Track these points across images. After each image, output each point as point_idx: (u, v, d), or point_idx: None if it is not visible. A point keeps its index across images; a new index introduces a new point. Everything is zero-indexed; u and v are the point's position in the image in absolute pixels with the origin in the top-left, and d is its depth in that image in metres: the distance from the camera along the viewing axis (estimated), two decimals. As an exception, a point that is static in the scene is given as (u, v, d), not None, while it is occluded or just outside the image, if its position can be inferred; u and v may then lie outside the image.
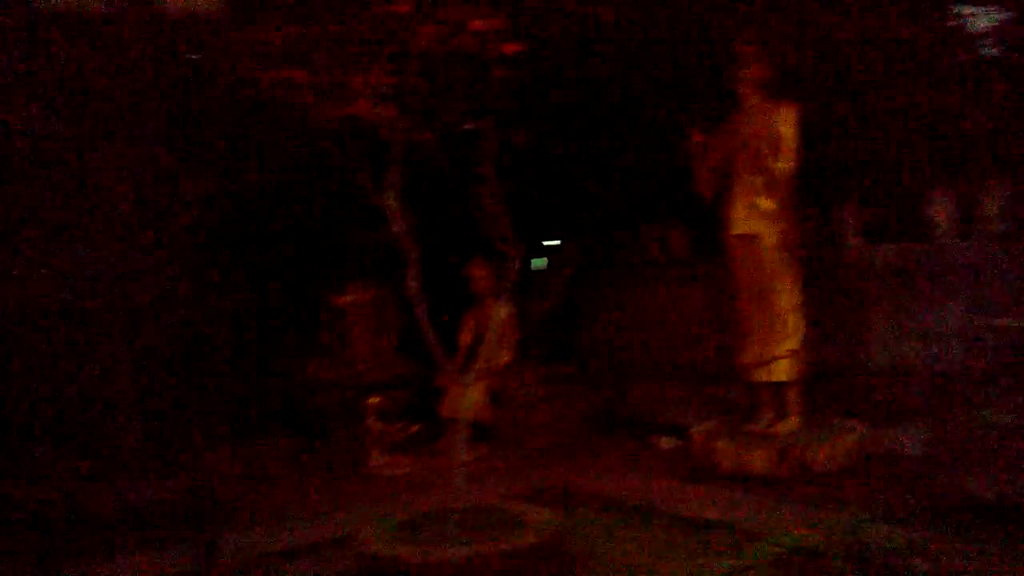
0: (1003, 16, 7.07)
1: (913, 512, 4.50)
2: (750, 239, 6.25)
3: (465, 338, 8.40)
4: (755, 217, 6.25)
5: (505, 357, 8.16)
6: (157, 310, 4.92)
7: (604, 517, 5.31)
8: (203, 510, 3.60)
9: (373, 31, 7.11)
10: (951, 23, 6.96)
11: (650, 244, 8.70)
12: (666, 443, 7.24)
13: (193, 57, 5.77)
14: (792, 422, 6.10)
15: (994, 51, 6.87)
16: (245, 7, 6.80)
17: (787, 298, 6.11)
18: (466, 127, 6.61)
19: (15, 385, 4.74)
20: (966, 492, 4.58)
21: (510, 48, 6.27)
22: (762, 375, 6.17)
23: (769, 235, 6.17)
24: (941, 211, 6.21)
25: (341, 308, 8.99)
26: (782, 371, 6.08)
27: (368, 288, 9.02)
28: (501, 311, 8.14)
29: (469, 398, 7.67)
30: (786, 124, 6.18)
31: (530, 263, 10.02)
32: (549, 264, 9.11)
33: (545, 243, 10.38)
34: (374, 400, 7.41)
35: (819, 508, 4.89)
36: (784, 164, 6.13)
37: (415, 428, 7.55)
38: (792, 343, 6.06)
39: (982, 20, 7.05)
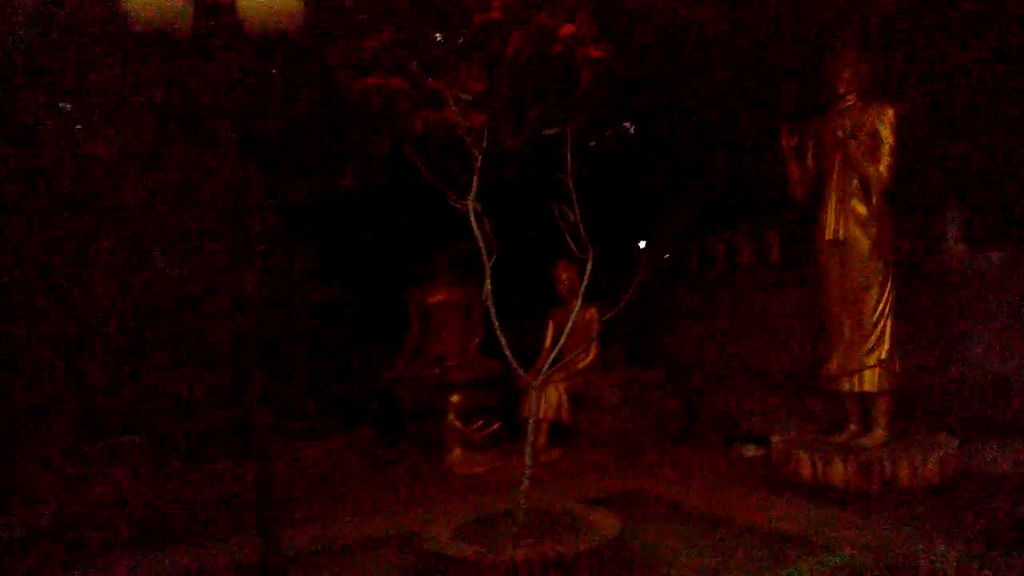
0: None
1: (986, 534, 4.25)
2: (843, 244, 6.01)
3: (547, 340, 8.42)
4: (849, 221, 6.01)
5: (586, 359, 8.13)
6: (240, 307, 5.14)
7: (673, 524, 5.22)
8: (269, 503, 3.73)
9: (465, 38, 7.27)
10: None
11: (742, 248, 8.47)
12: (749, 451, 7.05)
13: (273, 71, 6.00)
14: (878, 435, 5.83)
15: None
16: (338, 16, 7.05)
17: (878, 306, 5.84)
18: (547, 132, 6.66)
19: (99, 381, 5.06)
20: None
21: (597, 52, 6.28)
22: (849, 385, 5.92)
23: (863, 240, 5.93)
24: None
25: (429, 307, 9.17)
26: (869, 382, 5.82)
27: (457, 288, 9.17)
28: (584, 314, 8.14)
29: (549, 400, 7.70)
30: (884, 124, 5.92)
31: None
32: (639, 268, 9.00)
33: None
34: (455, 399, 7.51)
35: (893, 525, 4.66)
36: (882, 167, 5.87)
37: (495, 427, 7.61)
38: (881, 353, 5.80)
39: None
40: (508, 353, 4.96)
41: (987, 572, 3.19)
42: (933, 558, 3.22)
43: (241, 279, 4.99)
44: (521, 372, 4.94)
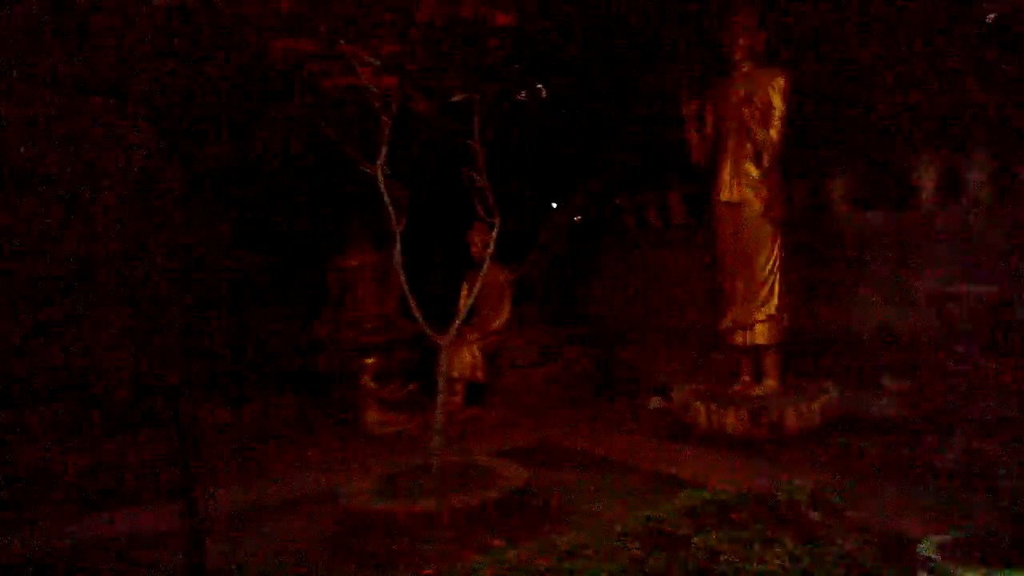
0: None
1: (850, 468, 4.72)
2: (736, 205, 6.36)
3: (463, 300, 8.62)
4: (742, 184, 6.36)
5: (501, 319, 8.37)
6: (153, 273, 5.16)
7: (578, 473, 5.54)
8: (189, 467, 3.84)
9: (377, 2, 7.27)
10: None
11: (649, 209, 8.79)
12: (655, 403, 7.43)
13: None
14: (768, 385, 6.26)
15: (990, 17, 6.79)
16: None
17: (768, 264, 6.23)
18: (455, 99, 6.76)
19: (10, 352, 5.03)
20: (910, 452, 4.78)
21: (503, 18, 6.40)
22: (742, 339, 6.31)
23: (754, 202, 6.28)
24: (927, 179, 6.24)
25: (347, 271, 9.25)
26: (760, 335, 6.22)
27: (373, 251, 9.27)
28: (497, 275, 8.36)
29: (463, 360, 7.92)
30: (775, 92, 6.25)
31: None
32: (543, 230, 9.24)
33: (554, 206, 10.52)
34: (369, 361, 7.66)
35: (769, 465, 5.10)
36: (772, 132, 6.21)
37: (411, 387, 7.80)
38: (770, 308, 6.20)
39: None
40: (417, 314, 5.14)
41: (837, 497, 3.57)
42: (789, 489, 3.59)
43: (152, 246, 5.02)
44: (429, 332, 5.13)
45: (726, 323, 6.43)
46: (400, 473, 5.03)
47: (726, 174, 6.46)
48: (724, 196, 6.45)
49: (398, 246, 5.35)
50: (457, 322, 5.72)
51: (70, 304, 5.00)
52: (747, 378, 6.42)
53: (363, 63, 7.12)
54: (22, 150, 4.77)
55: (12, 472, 5.35)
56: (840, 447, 5.37)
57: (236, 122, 7.85)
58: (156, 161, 5.30)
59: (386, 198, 5.50)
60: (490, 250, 5.90)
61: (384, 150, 5.99)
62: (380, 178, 5.82)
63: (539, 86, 8.11)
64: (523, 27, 6.73)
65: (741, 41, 6.43)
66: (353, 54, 7.21)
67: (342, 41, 7.15)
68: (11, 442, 5.49)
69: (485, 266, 5.71)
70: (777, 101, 6.25)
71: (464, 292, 8.68)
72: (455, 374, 7.81)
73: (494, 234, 6.63)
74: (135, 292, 5.14)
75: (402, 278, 5.44)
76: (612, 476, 5.37)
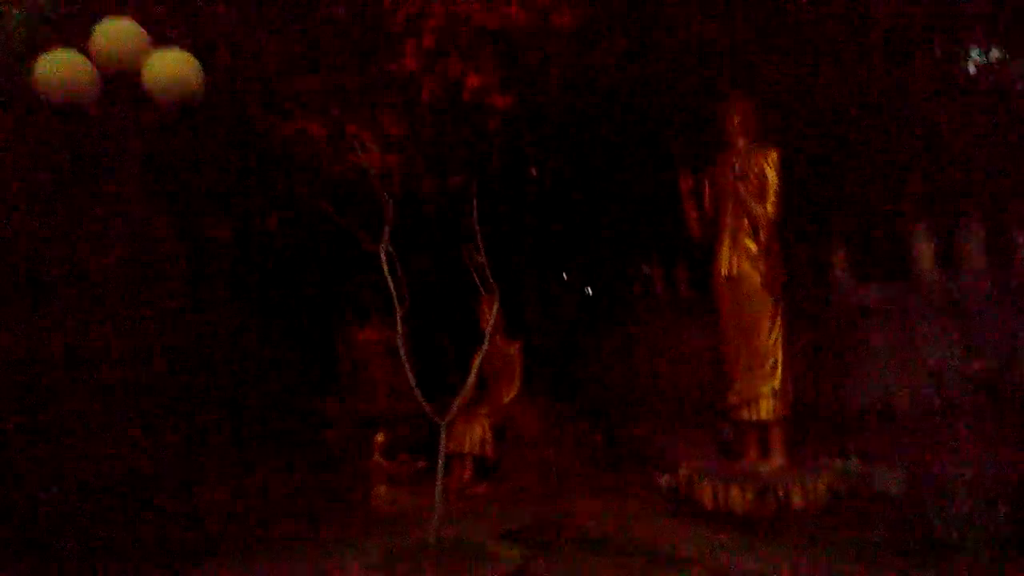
0: (993, 57, 7.14)
1: (856, 550, 4.64)
2: (736, 279, 6.41)
3: (471, 376, 8.65)
4: (741, 258, 6.42)
5: (511, 392, 8.39)
6: (167, 345, 5.28)
7: (581, 551, 5.48)
8: (186, 542, 3.88)
9: (384, 85, 7.56)
10: (938, 66, 7.05)
11: (656, 281, 8.86)
12: (664, 481, 7.35)
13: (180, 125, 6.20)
14: (775, 461, 6.19)
15: (981, 91, 6.93)
16: (259, 65, 7.27)
17: (770, 337, 6.23)
18: (453, 181, 6.96)
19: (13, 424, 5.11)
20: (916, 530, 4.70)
21: (502, 101, 6.63)
22: (747, 414, 6.29)
23: (753, 275, 6.33)
24: (924, 249, 6.28)
25: (358, 344, 9.36)
26: (765, 410, 6.19)
27: (385, 325, 9.37)
28: (507, 348, 8.42)
29: (473, 435, 7.93)
30: (770, 168, 6.36)
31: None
32: (550, 304, 9.34)
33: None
34: (379, 437, 7.69)
35: (773, 546, 5.03)
36: (768, 206, 6.30)
37: (421, 464, 7.79)
38: (775, 382, 6.18)
39: (970, 61, 7.13)
40: (417, 393, 5.21)
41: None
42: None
43: (145, 323, 5.15)
44: (429, 411, 5.18)
45: (731, 398, 6.41)
46: (398, 554, 5.02)
47: (725, 248, 6.53)
48: (724, 270, 6.51)
49: (400, 327, 5.45)
50: (459, 401, 5.76)
51: (53, 382, 5.07)
52: (753, 454, 6.37)
53: (359, 146, 7.38)
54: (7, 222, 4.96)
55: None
56: (844, 526, 5.29)
57: (244, 198, 8.07)
58: (159, 235, 5.47)
59: (389, 280, 5.62)
60: (491, 324, 5.98)
61: (387, 230, 6.13)
62: (383, 259, 5.96)
63: (531, 168, 8.30)
64: (522, 109, 6.96)
65: (736, 120, 6.57)
66: (360, 135, 7.50)
67: (350, 124, 7.47)
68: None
69: (487, 340, 5.78)
70: (772, 176, 6.35)
71: (474, 365, 8.73)
72: (464, 449, 7.81)
73: (495, 308, 6.72)
74: (134, 375, 5.25)
75: (404, 357, 5.53)
76: (611, 556, 5.31)
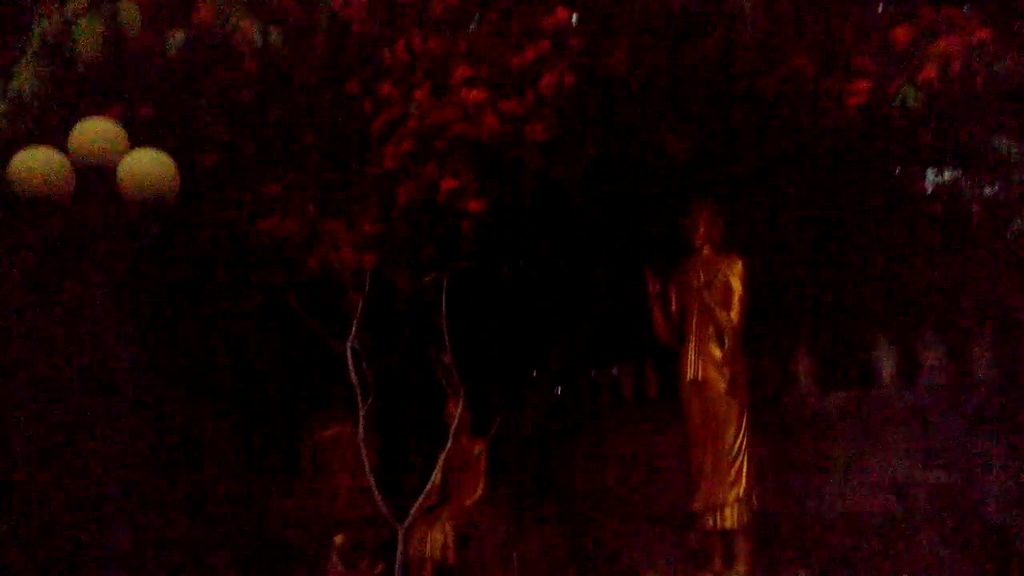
0: (950, 176, 7.48)
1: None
2: (701, 384, 6.47)
3: (437, 475, 8.51)
4: (707, 364, 6.49)
5: (475, 494, 8.24)
6: (121, 442, 5.17)
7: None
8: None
9: (362, 184, 7.72)
10: (899, 183, 7.36)
11: (624, 383, 8.87)
12: (629, 589, 7.20)
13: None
14: (740, 571, 6.10)
15: (938, 207, 7.22)
16: (237, 161, 7.41)
17: (735, 443, 6.25)
18: (426, 280, 7.04)
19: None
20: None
21: (476, 205, 6.77)
22: (712, 521, 6.23)
23: (719, 381, 6.39)
24: (886, 360, 6.39)
25: (322, 442, 9.19)
26: (730, 518, 6.14)
27: (350, 423, 9.24)
28: (473, 447, 8.32)
29: (434, 539, 7.74)
30: (734, 276, 6.52)
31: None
32: (517, 405, 9.29)
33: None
34: (338, 539, 7.48)
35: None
36: (733, 314, 6.42)
37: (379, 568, 7.56)
38: (740, 490, 6.15)
39: (929, 178, 7.46)
40: (376, 492, 5.13)
41: None
42: None
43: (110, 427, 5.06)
44: (387, 514, 5.09)
45: (697, 504, 6.37)
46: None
47: (690, 353, 6.61)
48: (689, 375, 6.57)
49: (361, 425, 5.42)
50: (419, 502, 5.66)
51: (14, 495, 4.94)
52: (719, 563, 6.27)
53: (331, 244, 7.46)
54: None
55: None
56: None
57: (214, 293, 8.05)
58: (123, 342, 5.42)
59: (353, 378, 5.62)
60: (455, 423, 5.94)
61: (355, 326, 6.15)
62: (349, 357, 5.95)
63: (503, 269, 8.42)
64: (495, 212, 7.11)
65: (701, 229, 6.76)
66: (335, 233, 7.60)
67: (327, 220, 7.57)
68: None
69: (449, 440, 5.74)
70: (736, 285, 6.50)
71: (439, 466, 8.61)
72: (425, 554, 7.60)
73: (459, 409, 6.70)
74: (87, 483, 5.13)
75: (365, 455, 5.47)
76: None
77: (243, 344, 8.45)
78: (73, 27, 5.82)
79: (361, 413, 5.24)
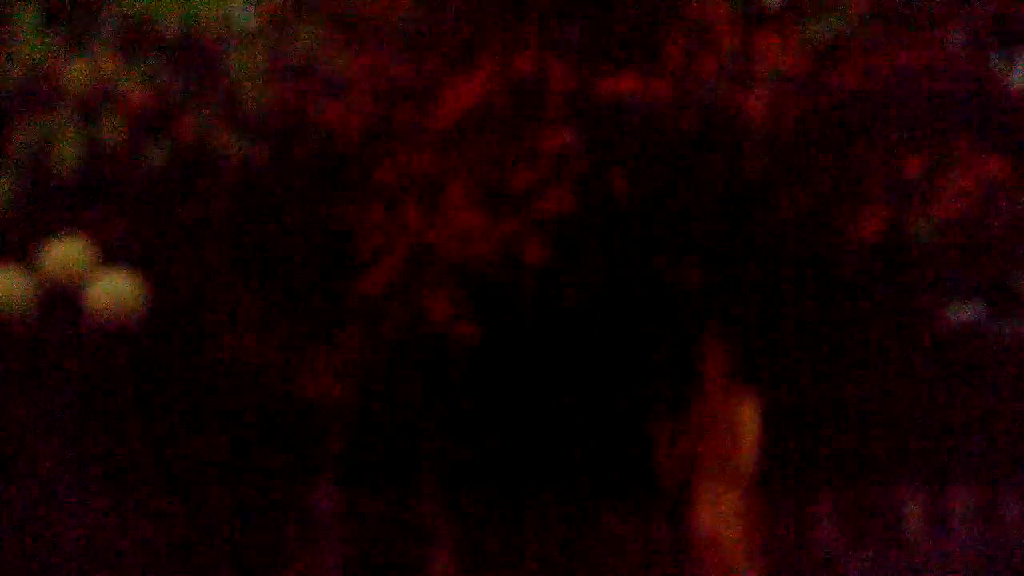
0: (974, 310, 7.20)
1: None
2: (712, 531, 5.96)
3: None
4: (718, 509, 6.00)
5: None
6: None
7: None
8: None
9: (346, 309, 7.43)
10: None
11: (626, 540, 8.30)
12: None
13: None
14: None
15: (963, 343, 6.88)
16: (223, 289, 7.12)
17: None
18: (409, 416, 6.64)
19: None
20: None
21: (466, 330, 6.43)
22: None
23: (732, 529, 5.88)
24: (913, 513, 5.91)
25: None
26: None
27: None
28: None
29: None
30: (748, 416, 6.12)
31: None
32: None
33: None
34: None
35: None
36: (745, 457, 6.00)
37: None
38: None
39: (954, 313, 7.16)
40: None
41: None
42: None
43: None
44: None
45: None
46: None
47: (702, 498, 6.13)
48: (700, 521, 6.07)
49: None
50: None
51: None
52: None
53: (322, 369, 7.12)
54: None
55: None
56: None
57: (176, 420, 7.62)
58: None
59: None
60: None
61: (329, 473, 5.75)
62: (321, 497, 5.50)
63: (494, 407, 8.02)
64: (487, 341, 6.75)
65: (712, 365, 6.41)
66: (313, 358, 7.25)
67: (302, 346, 7.24)
68: None
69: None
70: (748, 419, 6.10)
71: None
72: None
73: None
74: None
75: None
76: None
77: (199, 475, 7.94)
78: (56, 139, 5.65)
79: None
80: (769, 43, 5.07)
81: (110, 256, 5.16)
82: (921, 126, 5.74)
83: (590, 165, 5.82)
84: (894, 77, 5.50)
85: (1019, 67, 5.85)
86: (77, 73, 5.68)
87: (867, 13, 5.15)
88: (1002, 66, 5.83)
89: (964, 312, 6.66)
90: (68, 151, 5.56)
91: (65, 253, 4.76)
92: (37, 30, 5.92)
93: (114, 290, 4.66)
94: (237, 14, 6.19)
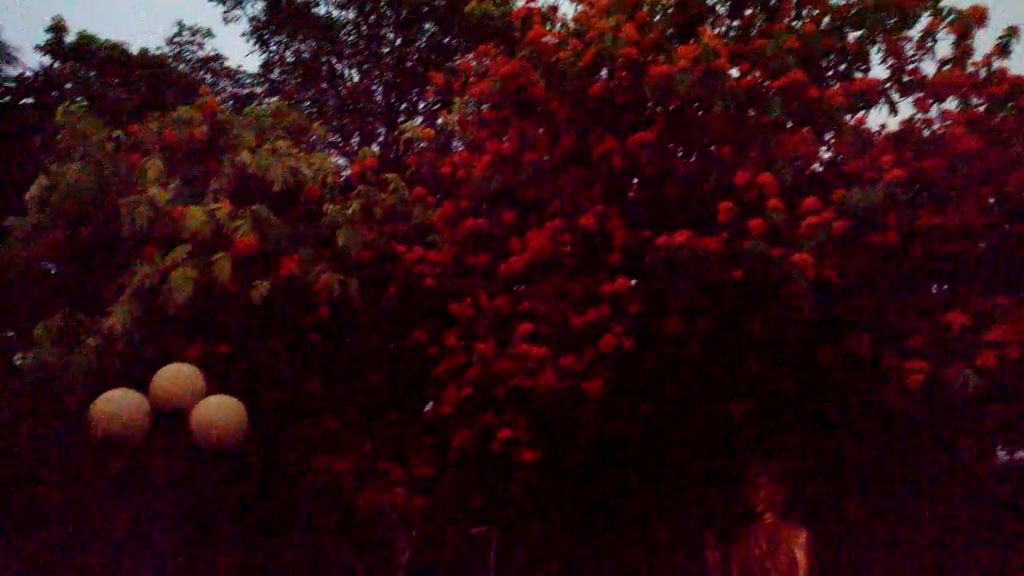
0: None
1: None
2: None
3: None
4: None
5: None
6: None
7: None
8: None
9: (418, 427, 7.87)
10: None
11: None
12: None
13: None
14: None
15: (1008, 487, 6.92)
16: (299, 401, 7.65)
17: None
18: (474, 531, 6.93)
19: None
20: None
21: (529, 455, 6.78)
22: None
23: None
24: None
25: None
26: None
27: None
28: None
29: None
30: (798, 548, 6.19)
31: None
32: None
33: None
34: None
35: None
36: (798, 590, 6.05)
37: None
38: None
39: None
40: None
41: None
42: None
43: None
44: None
45: None
46: None
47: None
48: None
49: None
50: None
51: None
52: None
53: (398, 482, 7.49)
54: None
55: None
56: None
57: (260, 529, 8.00)
58: None
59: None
60: None
61: (402, 570, 6.03)
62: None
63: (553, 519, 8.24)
64: (549, 462, 7.08)
65: (762, 493, 6.55)
66: (390, 472, 7.64)
67: (380, 461, 7.65)
68: None
69: None
70: (800, 556, 6.18)
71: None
72: None
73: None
74: None
75: None
76: None
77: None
78: (170, 275, 6.37)
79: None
80: (813, 205, 5.51)
81: (214, 376, 5.68)
82: (964, 282, 6.06)
83: (646, 308, 6.26)
84: (935, 235, 5.87)
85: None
86: (193, 218, 6.47)
87: (906, 179, 5.57)
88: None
89: (1007, 454, 6.76)
90: (182, 286, 6.27)
91: (175, 379, 5.29)
92: (161, 180, 6.79)
93: (217, 414, 5.17)
94: (334, 169, 7.00)
